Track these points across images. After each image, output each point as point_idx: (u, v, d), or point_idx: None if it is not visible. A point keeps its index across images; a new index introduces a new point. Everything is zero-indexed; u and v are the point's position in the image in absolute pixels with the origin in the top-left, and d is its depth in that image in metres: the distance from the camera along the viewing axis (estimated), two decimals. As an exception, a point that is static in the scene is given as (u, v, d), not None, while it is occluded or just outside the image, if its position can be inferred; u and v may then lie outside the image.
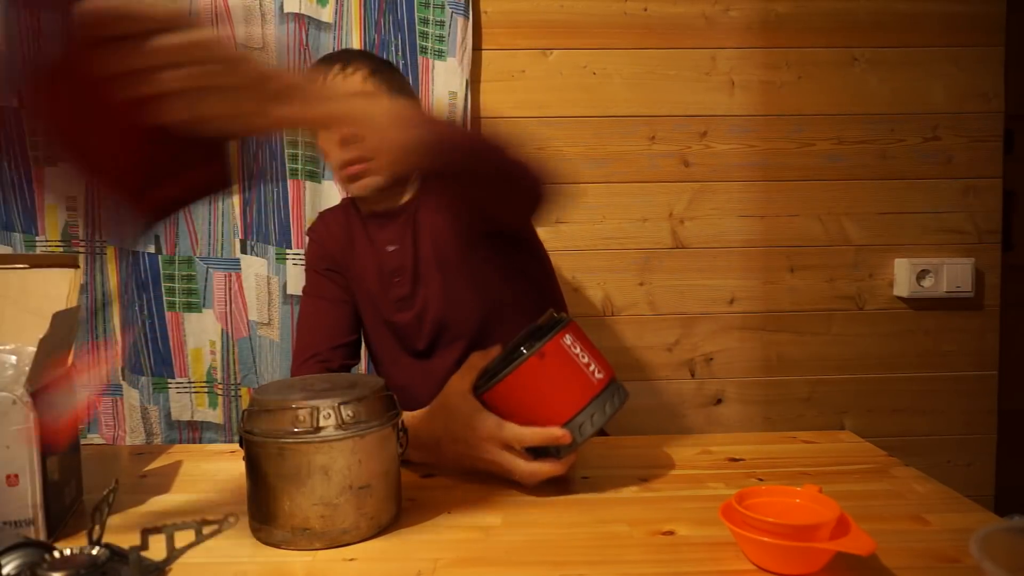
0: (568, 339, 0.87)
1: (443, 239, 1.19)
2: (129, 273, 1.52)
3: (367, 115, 0.73)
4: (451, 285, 1.19)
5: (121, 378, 1.55)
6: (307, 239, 1.36)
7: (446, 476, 0.99)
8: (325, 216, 1.34)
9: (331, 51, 1.51)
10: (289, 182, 1.52)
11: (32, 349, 0.81)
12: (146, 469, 1.06)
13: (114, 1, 0.57)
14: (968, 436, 1.70)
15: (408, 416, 0.95)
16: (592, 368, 0.87)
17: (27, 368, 0.81)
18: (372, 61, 1.19)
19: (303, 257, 1.52)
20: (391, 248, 1.22)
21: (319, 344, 1.23)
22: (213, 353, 1.55)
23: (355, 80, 1.14)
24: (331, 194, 1.53)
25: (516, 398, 0.87)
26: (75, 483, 0.90)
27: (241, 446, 0.81)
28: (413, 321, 1.20)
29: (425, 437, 0.94)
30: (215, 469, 1.06)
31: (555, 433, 0.85)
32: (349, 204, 1.32)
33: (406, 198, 1.23)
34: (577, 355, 0.87)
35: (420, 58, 1.53)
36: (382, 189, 1.18)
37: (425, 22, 1.52)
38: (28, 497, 0.78)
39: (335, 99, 0.74)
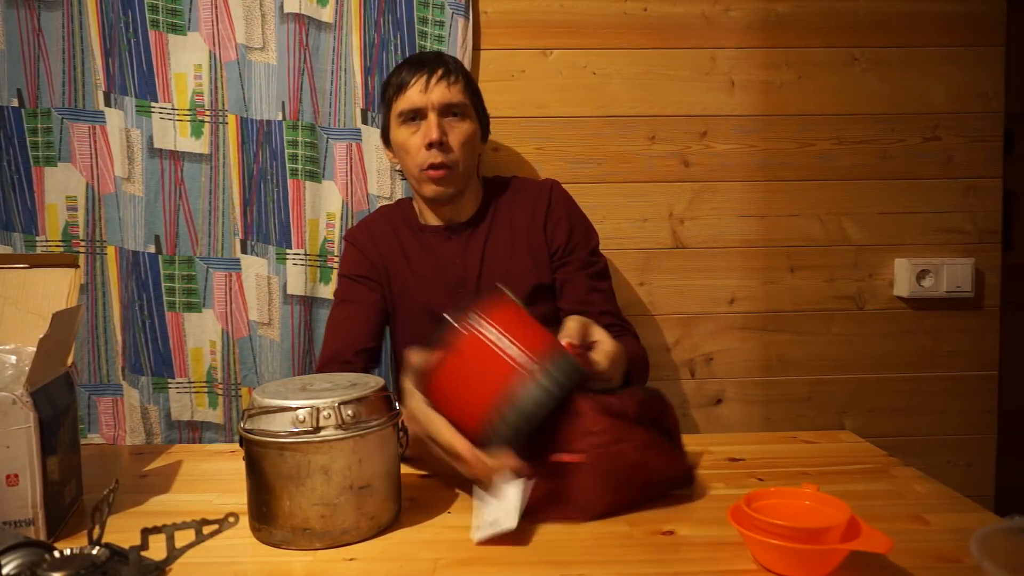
0: (489, 329, 0.84)
1: (516, 268, 1.30)
2: (129, 273, 1.52)
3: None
4: None
5: (121, 378, 1.55)
6: (344, 244, 1.41)
7: (446, 476, 0.99)
8: (369, 224, 1.41)
9: (329, 49, 1.51)
10: (289, 182, 1.52)
11: (32, 349, 0.81)
12: (146, 469, 1.06)
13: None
14: (968, 436, 1.70)
15: None
16: (516, 348, 0.83)
17: (27, 368, 0.81)
18: (452, 64, 1.30)
19: (303, 257, 1.53)
20: (455, 260, 1.32)
21: (343, 349, 1.27)
22: (213, 353, 1.55)
23: (442, 86, 1.26)
24: (331, 194, 1.53)
25: (442, 397, 0.87)
26: (75, 483, 0.90)
27: (241, 446, 0.81)
28: None
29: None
30: (215, 469, 1.06)
31: (456, 448, 0.84)
32: (397, 213, 1.40)
33: (468, 215, 1.35)
34: (498, 341, 0.83)
35: (420, 58, 1.52)
36: (453, 195, 1.30)
37: (425, 22, 1.52)
38: (28, 497, 0.79)
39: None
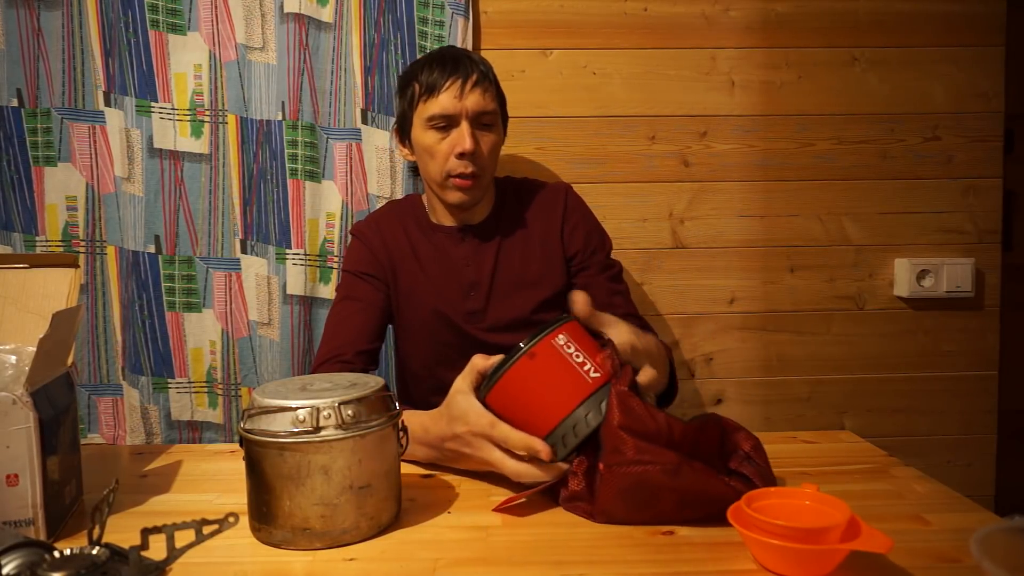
0: (561, 339, 0.86)
1: (530, 273, 1.30)
2: (129, 273, 1.52)
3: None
4: (522, 307, 1.28)
5: (121, 378, 1.55)
6: (350, 238, 1.38)
7: (446, 476, 0.99)
8: (378, 220, 1.38)
9: (329, 49, 1.51)
10: (289, 182, 1.52)
11: (32, 349, 0.81)
12: (146, 469, 1.06)
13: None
14: (968, 436, 1.70)
15: (417, 415, 0.98)
16: (588, 368, 0.86)
17: (27, 368, 0.81)
18: (482, 67, 1.26)
19: (303, 257, 1.53)
20: (466, 263, 1.30)
21: (343, 347, 1.25)
22: (213, 353, 1.55)
23: (476, 94, 1.22)
24: (331, 194, 1.53)
25: (511, 399, 0.87)
26: (75, 483, 0.90)
27: (241, 446, 0.81)
28: (483, 332, 1.28)
29: (433, 436, 0.95)
30: (215, 469, 1.06)
31: (535, 445, 0.84)
32: (407, 210, 1.38)
33: (482, 217, 1.32)
34: (571, 355, 0.86)
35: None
36: (476, 203, 1.28)
37: (425, 22, 1.52)
38: (28, 497, 0.79)
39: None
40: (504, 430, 0.86)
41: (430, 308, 1.29)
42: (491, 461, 0.88)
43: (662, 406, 1.14)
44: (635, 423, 0.82)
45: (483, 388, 0.89)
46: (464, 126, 1.21)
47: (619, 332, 0.92)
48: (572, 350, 0.86)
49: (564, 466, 0.86)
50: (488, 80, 1.25)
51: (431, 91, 1.22)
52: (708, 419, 0.89)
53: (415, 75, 1.26)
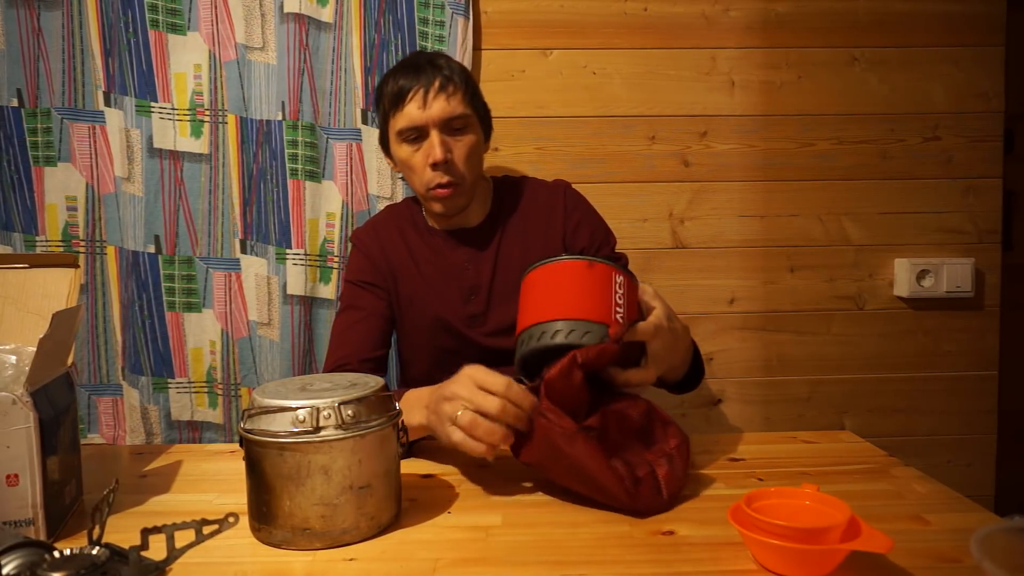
0: (620, 279, 0.92)
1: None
2: (129, 273, 1.52)
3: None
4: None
5: (121, 378, 1.55)
6: (351, 246, 1.37)
7: (446, 476, 0.99)
8: (376, 226, 1.36)
9: (329, 49, 1.51)
10: (289, 182, 1.52)
11: (32, 349, 0.81)
12: (146, 469, 1.06)
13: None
14: (968, 436, 1.70)
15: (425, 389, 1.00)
16: (620, 312, 0.90)
17: (27, 368, 0.81)
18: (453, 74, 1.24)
19: (303, 257, 1.53)
20: (466, 266, 1.28)
21: (348, 357, 1.25)
22: (213, 353, 1.55)
23: (440, 100, 1.20)
24: (331, 194, 1.53)
25: (547, 282, 0.94)
26: (75, 483, 0.90)
27: (241, 446, 0.81)
28: (484, 337, 1.27)
29: (434, 392, 0.95)
30: (215, 469, 1.06)
31: (499, 382, 0.86)
32: (404, 214, 1.36)
33: (478, 219, 1.31)
34: (616, 293, 0.91)
35: (420, 58, 1.52)
36: (461, 209, 1.27)
37: (425, 22, 1.52)
38: (28, 497, 0.79)
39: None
40: (478, 373, 0.88)
41: (430, 313, 1.28)
42: (467, 396, 0.88)
43: (685, 391, 1.19)
44: (562, 386, 0.87)
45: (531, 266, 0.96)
46: (434, 135, 1.19)
47: (655, 314, 0.95)
48: (620, 292, 0.92)
49: (532, 399, 0.87)
50: (453, 83, 1.20)
51: (396, 104, 1.21)
52: (636, 402, 0.94)
53: (384, 87, 1.25)
